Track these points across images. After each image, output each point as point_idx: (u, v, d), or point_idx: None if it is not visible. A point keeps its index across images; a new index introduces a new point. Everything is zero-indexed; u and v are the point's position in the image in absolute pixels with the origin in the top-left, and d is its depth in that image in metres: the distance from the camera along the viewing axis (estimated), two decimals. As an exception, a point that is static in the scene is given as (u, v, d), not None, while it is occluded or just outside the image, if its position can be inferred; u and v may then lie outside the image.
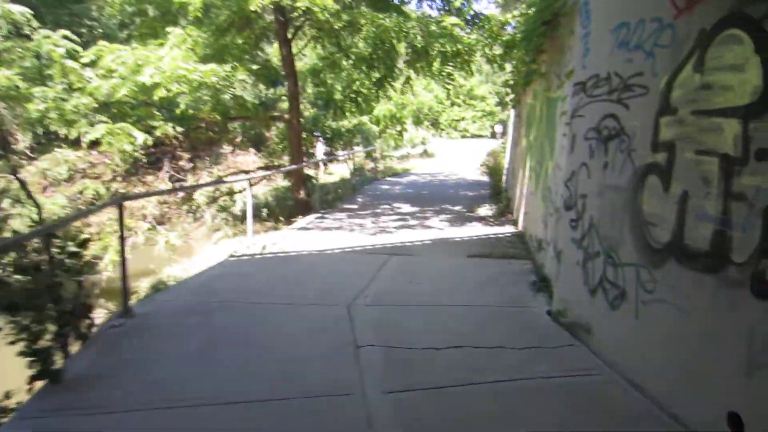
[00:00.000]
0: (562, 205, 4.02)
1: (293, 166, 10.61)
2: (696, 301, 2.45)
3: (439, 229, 8.36)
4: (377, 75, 10.58)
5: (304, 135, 15.77)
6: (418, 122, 24.89)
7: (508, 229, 8.12)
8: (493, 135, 37.12)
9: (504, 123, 15.29)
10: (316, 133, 18.06)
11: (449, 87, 8.48)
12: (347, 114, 11.59)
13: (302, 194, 10.75)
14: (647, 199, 2.87)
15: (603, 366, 3.13)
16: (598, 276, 3.34)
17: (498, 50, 7.63)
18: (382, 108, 24.62)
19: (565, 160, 4.08)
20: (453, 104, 42.13)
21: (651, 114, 2.86)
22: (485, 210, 9.97)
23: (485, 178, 15.37)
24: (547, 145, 5.60)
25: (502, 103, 45.34)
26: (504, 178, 12.21)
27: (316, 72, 11.54)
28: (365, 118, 25.10)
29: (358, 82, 10.94)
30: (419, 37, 8.19)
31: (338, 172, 20.66)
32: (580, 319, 3.56)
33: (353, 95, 11.10)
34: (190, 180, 14.40)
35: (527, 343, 3.52)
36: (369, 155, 18.21)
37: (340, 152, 18.03)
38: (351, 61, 10.72)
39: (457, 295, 4.74)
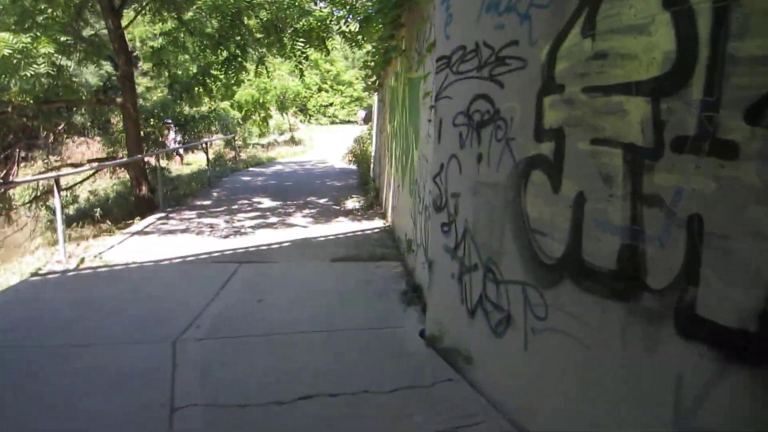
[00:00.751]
0: (431, 205, 3.38)
1: (123, 160, 8.97)
2: (601, 334, 1.89)
3: (302, 227, 7.49)
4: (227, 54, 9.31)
5: (151, 121, 13.88)
6: (282, 108, 23.58)
7: (376, 224, 7.51)
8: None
9: (368, 108, 14.76)
10: (167, 120, 16.08)
11: (302, 67, 7.44)
12: (197, 98, 10.12)
13: (144, 190, 9.20)
14: (532, 200, 2.28)
15: (489, 408, 2.53)
16: (478, 294, 2.74)
17: (354, 26, 6.85)
18: (243, 93, 22.97)
19: (431, 150, 3.44)
20: (321, 89, 41.20)
21: (531, 93, 2.26)
22: (353, 202, 9.28)
23: (353, 167, 14.72)
24: (412, 132, 5.00)
25: (367, 88, 45.25)
26: (371, 166, 11.66)
27: (156, 51, 9.90)
28: (226, 104, 23.22)
29: (205, 63, 9.58)
30: (265, 10, 7.13)
31: (197, 162, 18.74)
32: (459, 345, 2.95)
33: (201, 77, 9.70)
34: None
35: (398, 382, 2.82)
36: (229, 143, 16.61)
37: (195, 141, 16.22)
38: (195, 39, 9.31)
39: (315, 316, 3.93)
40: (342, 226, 7.43)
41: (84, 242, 6.70)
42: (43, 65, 8.25)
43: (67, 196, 9.83)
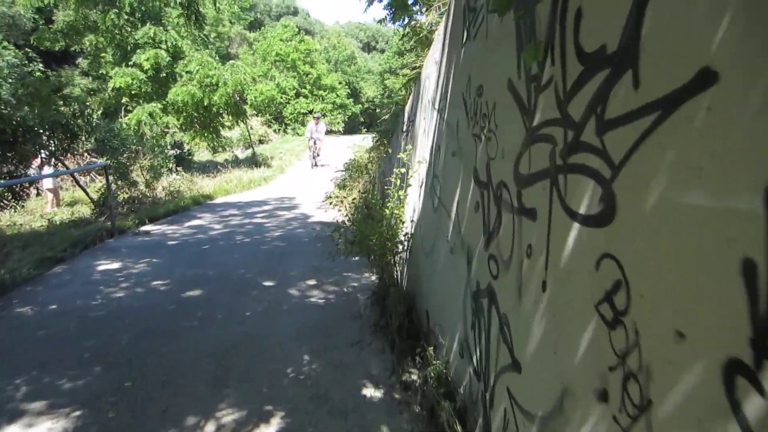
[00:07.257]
0: None
1: None
2: None
3: None
4: None
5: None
6: (237, 114, 16.48)
7: None
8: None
9: (395, 118, 7.15)
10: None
11: None
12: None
13: None
14: None
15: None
16: None
17: None
18: (179, 90, 15.84)
19: None
20: (299, 95, 34.30)
21: None
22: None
23: (344, 219, 7.41)
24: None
25: (351, 91, 37.81)
26: (403, 256, 4.65)
27: None
28: (156, 106, 16.07)
29: None
30: None
31: (86, 198, 11.41)
32: None
33: None
34: None
35: None
36: (123, 174, 9.26)
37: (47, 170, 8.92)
38: None
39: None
40: None
41: None
42: None
43: None
